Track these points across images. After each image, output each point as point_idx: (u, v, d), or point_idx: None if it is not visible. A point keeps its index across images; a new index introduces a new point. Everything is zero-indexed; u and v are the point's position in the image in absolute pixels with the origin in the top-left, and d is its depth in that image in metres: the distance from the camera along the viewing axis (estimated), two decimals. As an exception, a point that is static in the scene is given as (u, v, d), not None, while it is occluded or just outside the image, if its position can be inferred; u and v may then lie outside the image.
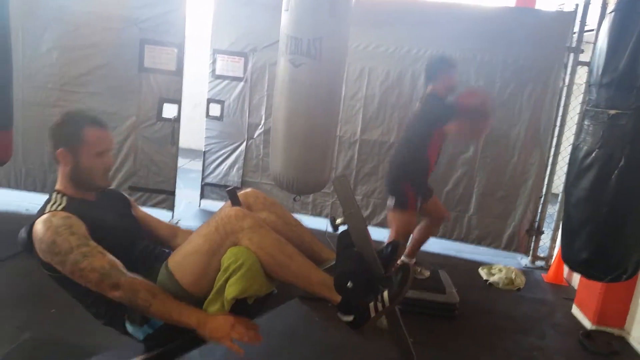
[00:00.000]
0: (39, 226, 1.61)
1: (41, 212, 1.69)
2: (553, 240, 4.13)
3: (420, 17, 3.99)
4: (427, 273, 3.29)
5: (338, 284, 1.61)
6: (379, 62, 4.11)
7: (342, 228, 1.80)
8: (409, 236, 3.19)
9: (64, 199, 1.72)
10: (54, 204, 1.71)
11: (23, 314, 2.63)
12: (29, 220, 1.72)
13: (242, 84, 4.26)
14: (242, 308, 1.62)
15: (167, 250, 1.84)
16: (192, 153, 6.03)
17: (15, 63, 3.72)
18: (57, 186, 1.78)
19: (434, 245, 4.21)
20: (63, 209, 1.67)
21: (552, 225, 4.15)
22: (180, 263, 1.65)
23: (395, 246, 1.79)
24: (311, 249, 1.86)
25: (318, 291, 1.65)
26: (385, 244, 1.85)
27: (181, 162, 5.86)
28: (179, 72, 4.00)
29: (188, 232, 1.92)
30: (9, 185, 4.24)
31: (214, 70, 4.30)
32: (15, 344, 2.37)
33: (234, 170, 4.41)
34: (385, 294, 1.60)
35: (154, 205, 4.20)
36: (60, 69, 4.03)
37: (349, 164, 4.32)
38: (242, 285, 1.56)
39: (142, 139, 4.10)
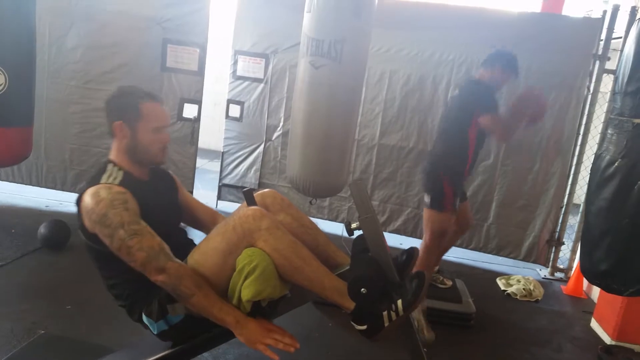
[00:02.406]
0: (90, 196, 1.59)
1: (94, 181, 1.66)
2: (573, 251, 4.04)
3: (443, 22, 3.95)
4: (449, 282, 3.24)
5: (352, 290, 1.59)
6: (400, 65, 4.08)
7: (357, 233, 1.78)
8: (446, 237, 2.96)
9: (120, 172, 1.70)
10: (109, 175, 1.68)
11: (39, 309, 2.66)
12: (48, 217, 1.73)
13: (262, 85, 4.27)
14: (255, 310, 1.62)
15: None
16: (210, 154, 6.07)
17: (40, 60, 3.80)
18: (112, 157, 1.76)
19: (451, 253, 4.16)
20: (119, 184, 1.65)
21: (573, 236, 4.07)
22: (198, 261, 1.64)
23: (411, 253, 1.76)
24: (326, 252, 1.84)
25: (331, 297, 1.63)
26: (405, 250, 1.81)
27: (200, 162, 5.91)
28: (200, 73, 4.02)
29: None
30: (29, 181, 4.30)
31: (234, 71, 4.31)
32: (31, 338, 2.40)
33: (252, 171, 4.41)
34: (399, 302, 1.57)
35: (172, 205, 4.22)
36: (84, 67, 4.08)
37: (366, 168, 4.29)
38: (256, 288, 1.55)
39: (162, 138, 4.13)
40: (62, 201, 4.23)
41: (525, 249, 4.11)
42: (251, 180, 4.42)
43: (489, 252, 4.20)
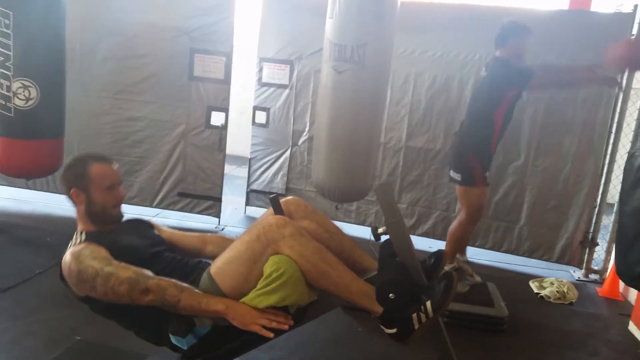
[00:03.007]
0: (64, 264, 1.72)
1: (63, 254, 1.78)
2: (608, 252, 3.93)
3: (468, 21, 3.91)
4: (478, 278, 3.21)
5: (380, 295, 1.59)
6: (425, 67, 4.05)
7: (384, 237, 1.77)
8: (482, 212, 3.14)
9: (83, 234, 1.82)
10: (74, 242, 1.81)
11: (76, 316, 2.72)
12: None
13: (287, 91, 4.30)
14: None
15: (203, 260, 1.89)
16: (238, 160, 6.13)
17: (72, 73, 3.91)
18: (78, 228, 1.88)
19: (483, 256, 4.11)
20: (82, 242, 1.77)
21: (607, 237, 3.95)
22: (222, 270, 1.67)
23: (439, 256, 1.75)
24: (352, 257, 1.85)
25: (359, 301, 1.63)
26: (432, 252, 1.81)
27: (228, 168, 5.98)
28: (226, 81, 4.08)
29: (218, 237, 2.00)
30: (59, 190, 4.42)
31: (260, 78, 4.36)
32: (68, 345, 2.46)
33: (279, 177, 4.44)
34: (429, 304, 1.56)
35: (201, 212, 4.29)
36: (114, 78, 4.17)
37: (393, 171, 4.27)
38: (283, 294, 1.56)
39: (191, 146, 4.20)
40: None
41: (558, 251, 4.02)
42: (278, 185, 4.45)
43: (521, 255, 4.11)
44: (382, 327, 1.64)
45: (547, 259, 4.06)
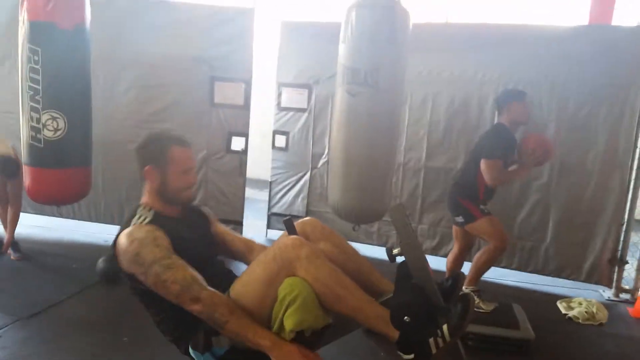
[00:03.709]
0: (123, 238, 1.69)
1: (126, 224, 1.77)
2: (639, 270, 3.81)
3: (486, 41, 3.90)
4: (489, 306, 3.15)
5: (394, 318, 1.57)
6: (443, 87, 4.05)
7: (400, 259, 1.75)
8: (506, 239, 3.18)
9: (150, 212, 1.81)
10: (139, 217, 1.79)
11: (99, 341, 2.75)
12: (106, 252, 1.83)
13: (306, 114, 4.34)
14: (298, 340, 1.61)
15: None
16: (260, 183, 6.17)
17: (96, 103, 4.02)
18: (144, 200, 1.87)
19: (509, 277, 4.02)
20: (149, 223, 1.74)
21: (638, 255, 3.84)
22: (240, 291, 1.67)
23: (456, 278, 1.72)
24: (369, 280, 1.83)
25: (375, 325, 1.61)
26: (450, 274, 1.78)
27: (250, 192, 6.02)
28: (246, 107, 4.14)
29: (262, 247, 1.96)
30: (89, 218, 4.51)
31: (279, 103, 4.42)
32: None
33: (299, 199, 4.46)
34: (445, 327, 1.53)
35: (223, 235, 4.31)
36: (137, 107, 4.27)
37: (413, 191, 4.24)
38: (298, 318, 1.55)
39: (212, 171, 4.26)
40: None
41: (586, 270, 3.90)
42: (299, 208, 4.46)
43: (548, 274, 4.01)
44: (399, 352, 1.61)
45: (575, 279, 3.95)
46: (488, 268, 3.24)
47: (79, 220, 4.50)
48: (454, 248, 3.47)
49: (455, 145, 4.08)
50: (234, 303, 1.62)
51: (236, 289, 1.68)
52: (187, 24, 4.11)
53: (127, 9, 4.17)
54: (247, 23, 4.05)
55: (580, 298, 3.62)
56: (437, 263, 4.01)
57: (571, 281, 3.97)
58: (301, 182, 4.45)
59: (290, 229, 1.79)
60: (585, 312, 3.39)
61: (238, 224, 4.29)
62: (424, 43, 3.95)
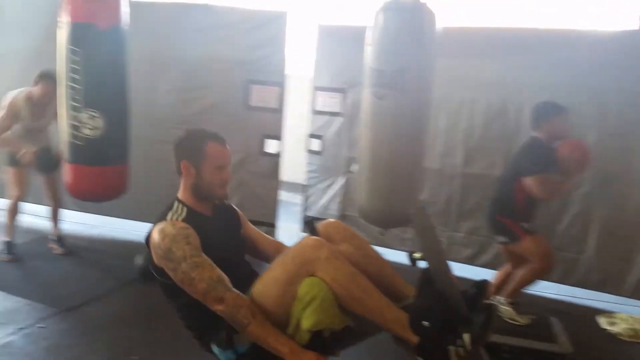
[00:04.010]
0: (156, 233, 1.75)
1: (161, 218, 1.83)
2: (689, 287, 3.61)
3: (525, 46, 3.80)
4: (525, 320, 3.05)
5: (413, 322, 1.55)
6: (480, 92, 3.96)
7: (422, 263, 1.73)
8: (552, 259, 3.08)
9: (185, 209, 1.86)
10: (175, 212, 1.84)
11: (134, 337, 2.84)
12: (144, 249, 1.89)
13: (340, 118, 4.34)
14: (317, 341, 1.62)
15: None
16: (296, 187, 6.21)
17: (137, 104, 4.16)
18: (179, 195, 1.93)
19: (548, 289, 3.88)
20: (183, 220, 1.79)
21: (687, 270, 3.64)
22: (261, 291, 1.69)
23: (481, 285, 1.68)
24: (391, 283, 1.82)
25: (393, 329, 1.60)
26: (476, 282, 1.74)
27: (286, 196, 6.06)
28: (280, 110, 4.18)
29: None
30: (126, 216, 4.63)
31: (314, 107, 4.44)
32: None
33: (334, 203, 4.46)
34: (466, 336, 1.50)
35: (257, 237, 4.35)
36: (177, 108, 4.36)
37: (449, 198, 4.16)
38: (315, 318, 1.56)
39: (247, 174, 4.31)
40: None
41: (630, 284, 3.71)
42: (333, 212, 4.46)
43: (589, 288, 3.84)
44: (419, 358, 1.59)
45: (618, 293, 3.77)
46: (529, 285, 3.14)
47: (119, 218, 4.64)
48: (507, 266, 3.30)
49: (493, 152, 3.98)
50: (256, 307, 1.65)
51: (257, 287, 1.70)
52: (225, 27, 4.19)
53: (168, 12, 4.30)
54: (281, 27, 4.09)
55: (624, 314, 3.47)
56: (474, 273, 3.92)
57: (614, 296, 3.79)
58: (335, 186, 4.45)
59: (312, 229, 1.80)
60: (630, 328, 3.25)
61: (272, 227, 4.33)
62: (460, 48, 3.90)
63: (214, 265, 1.68)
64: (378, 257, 1.87)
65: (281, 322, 1.65)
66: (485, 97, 3.96)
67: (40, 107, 3.71)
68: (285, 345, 1.60)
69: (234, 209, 2.12)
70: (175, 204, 1.89)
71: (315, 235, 1.79)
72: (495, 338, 2.66)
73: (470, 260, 4.13)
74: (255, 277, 1.86)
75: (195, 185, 1.88)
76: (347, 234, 1.88)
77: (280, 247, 2.05)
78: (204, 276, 1.64)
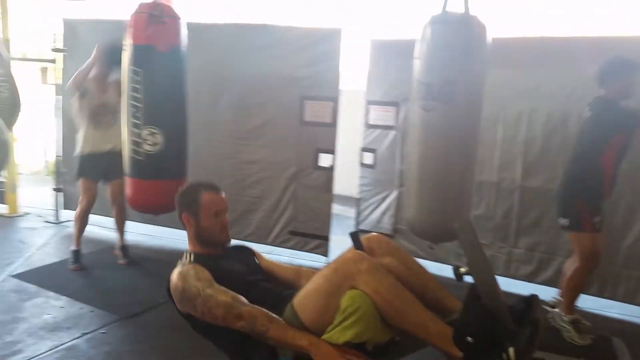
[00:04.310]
0: (171, 281, 1.90)
1: (173, 271, 1.96)
2: None
3: (586, 54, 3.64)
4: (586, 340, 2.90)
5: (457, 337, 1.52)
6: (539, 103, 3.84)
7: (468, 278, 1.70)
8: (598, 259, 2.94)
9: (192, 255, 1.99)
10: (183, 261, 1.98)
11: (184, 345, 2.90)
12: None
13: (393, 132, 4.33)
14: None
15: (292, 292, 1.93)
16: (350, 200, 6.23)
17: (198, 120, 4.33)
18: (188, 248, 2.08)
19: (611, 308, 3.67)
20: (189, 263, 1.93)
21: None
22: (303, 302, 1.72)
23: (529, 300, 1.63)
24: (436, 297, 1.80)
25: (437, 343, 1.57)
26: (524, 296, 1.69)
27: (340, 209, 6.07)
28: (334, 124, 4.23)
29: (311, 272, 2.04)
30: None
31: (367, 120, 4.45)
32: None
33: (386, 217, 4.43)
34: (511, 351, 1.46)
35: (310, 250, 4.41)
36: (235, 124, 4.52)
37: (508, 213, 4.03)
38: (357, 330, 1.57)
39: (301, 187, 4.38)
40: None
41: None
42: (386, 225, 4.43)
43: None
44: (465, 373, 1.56)
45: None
46: (580, 290, 3.03)
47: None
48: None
49: (554, 164, 3.82)
50: (271, 314, 1.72)
51: (298, 298, 1.74)
52: (281, 46, 4.31)
53: (228, 32, 4.47)
54: (335, 43, 4.16)
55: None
56: (534, 291, 3.77)
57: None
58: (388, 200, 4.42)
59: (356, 242, 1.81)
60: None
61: (325, 239, 4.36)
62: (518, 58, 3.81)
63: (226, 290, 1.78)
64: (422, 270, 1.86)
65: (324, 331, 1.66)
66: (546, 107, 3.83)
67: (104, 84, 3.96)
68: (304, 338, 1.64)
69: (247, 246, 2.26)
70: (184, 254, 2.03)
71: (360, 248, 1.81)
72: (554, 358, 2.55)
73: (529, 278, 3.97)
74: (275, 294, 1.93)
75: (197, 234, 2.05)
76: (390, 248, 1.89)
77: (299, 271, 2.14)
78: (218, 302, 1.74)
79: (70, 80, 3.94)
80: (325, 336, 1.65)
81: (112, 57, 3.71)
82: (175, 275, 1.89)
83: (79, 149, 4.03)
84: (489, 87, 3.83)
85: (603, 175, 2.83)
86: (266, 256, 2.25)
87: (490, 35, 2.69)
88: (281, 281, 2.12)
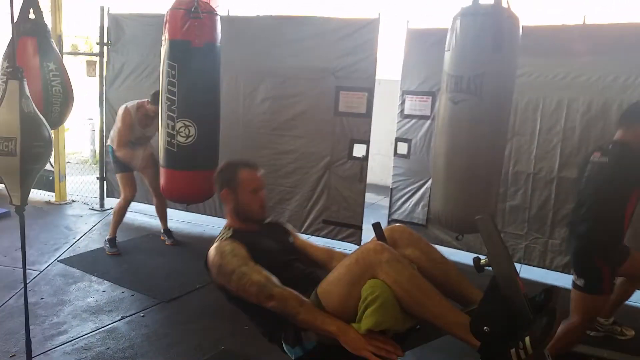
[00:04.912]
0: (209, 255, 1.95)
1: (212, 245, 2.03)
2: None
3: (629, 42, 3.54)
4: (630, 332, 2.83)
5: (474, 327, 1.55)
6: (579, 92, 3.75)
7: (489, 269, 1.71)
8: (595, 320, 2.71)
9: (230, 230, 2.05)
10: (222, 235, 2.04)
11: (223, 328, 3.06)
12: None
13: (428, 122, 4.30)
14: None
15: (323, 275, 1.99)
16: (385, 190, 6.25)
17: (236, 113, 4.44)
18: (227, 222, 2.14)
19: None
20: (228, 238, 1.98)
21: None
22: (326, 290, 1.77)
23: (549, 292, 1.63)
24: (458, 288, 1.82)
25: (456, 332, 1.60)
26: (544, 288, 1.69)
27: (375, 198, 6.11)
28: (368, 114, 4.24)
29: (342, 255, 2.08)
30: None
31: (402, 110, 4.44)
32: (213, 353, 2.77)
33: (419, 207, 4.43)
34: (528, 339, 1.47)
35: (343, 239, 4.46)
36: (271, 116, 4.61)
37: (544, 204, 3.97)
38: (376, 318, 1.60)
39: (335, 177, 4.43)
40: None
41: None
42: (419, 215, 4.44)
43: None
44: (481, 361, 1.59)
45: None
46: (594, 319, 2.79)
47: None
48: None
49: (593, 155, 3.75)
50: (302, 297, 1.76)
51: (322, 286, 1.79)
52: (317, 37, 4.36)
53: (265, 25, 4.55)
54: (372, 33, 4.16)
55: None
56: (569, 282, 3.71)
57: None
58: (422, 190, 4.41)
59: (379, 233, 1.85)
60: None
61: (357, 228, 4.40)
62: (558, 46, 3.74)
63: (261, 268, 1.83)
64: (444, 261, 1.88)
65: (347, 318, 1.71)
66: (585, 96, 3.74)
67: (148, 119, 4.13)
68: (333, 324, 1.68)
69: (283, 224, 2.30)
70: (223, 229, 2.10)
71: (382, 239, 1.84)
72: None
73: (565, 269, 3.92)
74: (308, 276, 1.98)
75: (236, 210, 2.09)
76: (412, 239, 1.91)
77: (331, 253, 2.17)
78: (252, 280, 1.80)
79: (115, 145, 4.15)
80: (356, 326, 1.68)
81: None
82: (212, 249, 1.95)
83: (113, 146, 4.20)
84: (528, 76, 3.84)
85: (622, 227, 2.46)
86: (301, 236, 2.30)
87: (522, 25, 2.64)
88: (313, 261, 2.17)
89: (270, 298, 1.76)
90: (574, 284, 2.55)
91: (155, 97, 3.90)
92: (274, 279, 1.81)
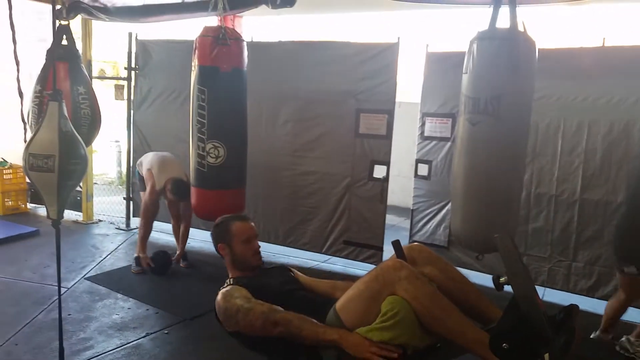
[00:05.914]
0: (216, 304, 2.07)
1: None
2: None
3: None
4: None
5: (493, 344, 1.57)
6: (600, 114, 3.75)
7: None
8: None
9: (231, 280, 2.18)
10: (224, 286, 2.16)
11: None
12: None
13: (449, 144, 4.33)
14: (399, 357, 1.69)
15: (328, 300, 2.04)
16: (406, 211, 6.26)
17: (258, 135, 4.54)
18: (229, 275, 2.26)
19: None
20: (229, 285, 2.11)
21: None
22: (345, 306, 1.82)
23: (569, 310, 1.65)
24: (477, 306, 1.84)
25: (474, 349, 1.62)
26: (565, 307, 1.70)
27: (397, 220, 6.12)
28: (388, 136, 4.30)
29: (346, 284, 2.12)
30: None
31: (422, 132, 4.49)
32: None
33: (441, 229, 4.43)
34: (547, 357, 1.49)
35: (364, 260, 4.48)
36: (292, 138, 4.70)
37: (567, 226, 3.95)
38: (396, 333, 1.64)
39: (355, 198, 4.47)
40: (274, 253, 4.84)
41: None
42: (440, 237, 4.44)
43: None
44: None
45: None
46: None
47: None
48: (620, 294, 3.09)
49: (615, 176, 3.73)
50: (302, 315, 1.84)
51: (342, 302, 1.84)
52: (337, 62, 4.45)
53: (286, 50, 4.67)
54: (392, 57, 4.24)
55: None
56: (593, 305, 3.67)
57: None
58: (443, 212, 4.42)
59: (398, 250, 1.89)
60: None
61: (378, 250, 4.42)
62: (578, 68, 3.76)
63: (263, 302, 1.92)
64: (464, 280, 1.91)
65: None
66: (606, 118, 3.74)
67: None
68: (334, 333, 1.75)
69: (283, 265, 2.44)
70: (225, 281, 2.21)
71: (402, 256, 1.88)
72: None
73: (589, 292, 3.88)
74: (312, 301, 2.05)
75: (233, 261, 2.24)
76: (431, 257, 1.95)
77: (334, 284, 2.25)
78: (256, 313, 1.89)
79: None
80: (360, 330, 1.74)
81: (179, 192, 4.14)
82: (218, 298, 2.07)
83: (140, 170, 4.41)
84: (548, 99, 3.86)
85: None
86: (300, 273, 2.38)
87: (540, 48, 2.68)
88: (317, 294, 2.24)
89: (275, 325, 1.84)
90: (630, 274, 2.81)
91: (176, 187, 4.11)
92: (277, 307, 1.89)
